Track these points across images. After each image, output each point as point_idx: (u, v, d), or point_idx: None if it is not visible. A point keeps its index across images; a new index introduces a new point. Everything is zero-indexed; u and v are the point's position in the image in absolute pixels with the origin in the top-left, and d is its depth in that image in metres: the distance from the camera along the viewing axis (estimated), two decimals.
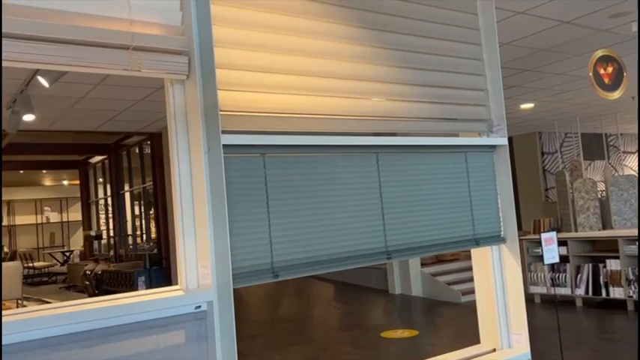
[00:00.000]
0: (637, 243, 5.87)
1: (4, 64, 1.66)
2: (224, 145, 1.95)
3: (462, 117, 2.73)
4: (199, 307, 1.93)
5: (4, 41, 1.64)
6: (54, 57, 1.73)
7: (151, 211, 9.08)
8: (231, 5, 2.10)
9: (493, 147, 2.81)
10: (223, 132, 1.95)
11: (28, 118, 5.80)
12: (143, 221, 9.40)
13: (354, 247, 2.30)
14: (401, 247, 2.44)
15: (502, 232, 2.79)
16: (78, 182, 12.42)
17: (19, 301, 8.38)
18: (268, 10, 2.19)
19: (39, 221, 14.98)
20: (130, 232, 9.72)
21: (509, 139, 3.03)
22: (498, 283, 2.79)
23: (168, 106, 2.04)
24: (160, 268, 8.22)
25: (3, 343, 1.58)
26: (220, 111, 1.96)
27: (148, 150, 8.88)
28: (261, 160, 2.13)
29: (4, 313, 1.71)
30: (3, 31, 1.63)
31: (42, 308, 1.73)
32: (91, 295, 9.01)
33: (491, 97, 2.81)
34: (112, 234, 10.25)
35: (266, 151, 2.14)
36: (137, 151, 9.28)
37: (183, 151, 2.03)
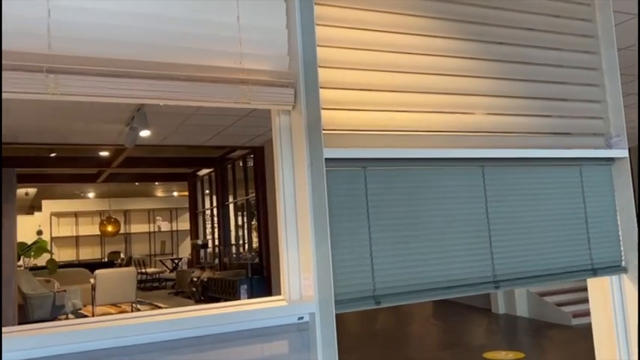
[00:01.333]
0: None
1: (137, 101, 1.81)
2: (326, 159, 1.98)
3: (576, 131, 2.56)
4: (302, 318, 1.96)
5: (137, 81, 1.78)
6: (173, 93, 1.84)
7: (253, 222, 9.42)
8: (335, 25, 2.14)
9: (611, 160, 2.59)
10: (326, 145, 1.98)
11: (144, 133, 6.26)
12: (245, 231, 9.78)
13: (459, 274, 2.21)
14: (510, 275, 2.30)
15: (623, 260, 2.55)
16: (187, 194, 13.20)
17: (134, 305, 9.03)
18: (371, 28, 2.21)
19: (151, 230, 16.08)
20: (233, 241, 10.15)
21: (630, 151, 2.79)
22: (619, 319, 2.51)
23: (274, 125, 2.12)
24: (260, 277, 8.48)
25: (124, 344, 1.70)
26: (323, 130, 1.99)
27: (250, 163, 9.25)
28: (362, 174, 2.13)
29: (125, 315, 1.85)
30: (137, 71, 1.77)
31: (158, 313, 1.84)
32: (197, 301, 9.49)
33: (610, 108, 2.61)
34: (217, 243, 10.75)
35: (367, 165, 2.14)
36: (241, 164, 9.69)
37: (287, 165, 2.09)
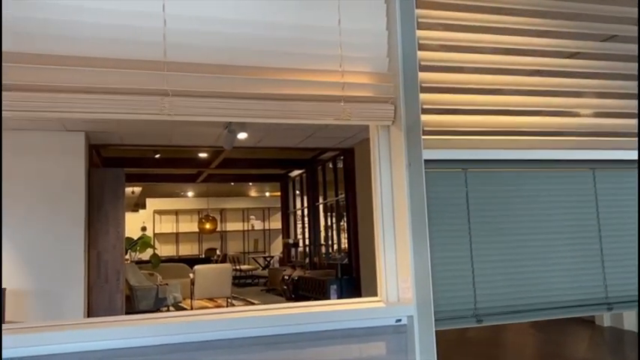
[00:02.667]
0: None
1: (243, 119, 1.90)
2: (425, 160, 1.96)
3: None
4: (400, 320, 1.95)
5: (242, 101, 1.86)
6: (276, 111, 1.89)
7: (342, 223, 9.48)
8: (435, 25, 2.11)
9: None
10: (425, 147, 1.96)
11: (241, 136, 6.52)
12: (335, 232, 9.87)
13: (565, 291, 2.07)
14: (626, 295, 2.11)
15: None
16: (278, 194, 13.56)
17: (229, 300, 9.41)
18: (471, 27, 2.15)
19: (245, 228, 16.68)
20: (323, 241, 10.28)
21: None
22: None
23: (371, 128, 2.12)
24: (350, 278, 8.51)
25: (229, 337, 1.78)
26: (423, 129, 1.97)
27: (340, 164, 9.32)
28: (463, 176, 2.08)
29: (229, 310, 1.94)
30: (237, 92, 1.86)
31: (259, 309, 1.91)
32: (288, 299, 9.72)
33: None
34: (307, 242, 10.95)
35: (468, 166, 2.09)
36: (331, 165, 9.79)
37: (384, 166, 2.08)
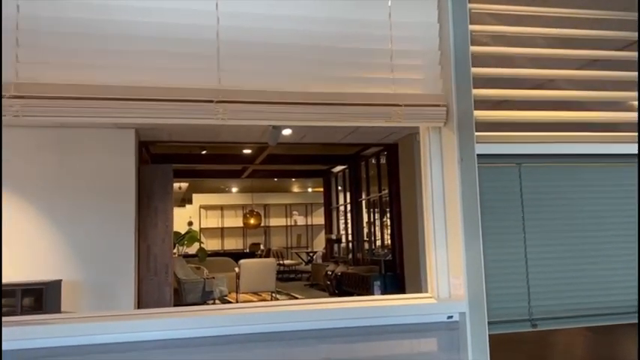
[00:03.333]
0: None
1: (295, 123, 1.92)
2: (478, 155, 1.93)
3: None
4: (451, 317, 1.93)
5: (296, 107, 1.87)
6: (328, 115, 1.90)
7: (385, 219, 9.43)
8: (488, 17, 2.08)
9: None
10: (477, 141, 1.93)
11: (286, 132, 6.58)
12: (378, 228, 9.84)
13: (630, 294, 2.00)
14: None
15: None
16: (321, 189, 13.61)
17: (273, 294, 9.52)
18: (523, 19, 2.11)
19: (288, 224, 16.83)
20: (366, 237, 10.26)
21: None
22: None
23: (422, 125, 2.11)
24: (394, 275, 8.47)
25: (281, 330, 1.80)
26: (475, 120, 1.95)
27: (383, 160, 9.27)
28: (517, 171, 2.04)
29: (282, 303, 1.97)
30: (288, 92, 1.88)
31: (310, 302, 1.93)
32: (331, 294, 9.75)
33: None
34: (350, 238, 10.95)
35: (522, 161, 2.04)
36: (374, 161, 9.76)
37: (435, 161, 2.06)
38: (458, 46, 1.99)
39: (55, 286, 5.96)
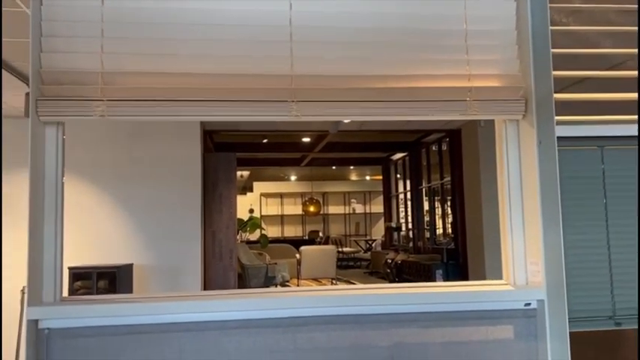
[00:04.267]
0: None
1: (366, 119, 1.92)
2: (558, 138, 1.86)
3: None
4: (529, 304, 1.88)
5: (368, 104, 1.88)
6: (402, 109, 1.90)
7: (446, 207, 9.28)
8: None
9: None
10: (557, 122, 1.86)
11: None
12: (440, 216, 9.69)
13: None
14: None
15: None
16: (379, 177, 13.52)
17: (333, 281, 9.59)
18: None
19: (346, 212, 16.87)
20: (427, 225, 10.14)
21: None
22: None
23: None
24: (456, 263, 8.33)
25: (355, 313, 1.82)
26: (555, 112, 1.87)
27: (445, 147, 9.10)
28: (599, 154, 1.95)
29: (354, 287, 1.98)
30: (362, 87, 1.87)
31: (384, 287, 1.94)
32: (391, 282, 9.72)
33: None
34: (410, 226, 10.85)
35: (604, 144, 1.95)
36: (435, 148, 9.59)
37: (512, 144, 2.00)
38: (536, 24, 1.92)
39: (127, 269, 6.26)
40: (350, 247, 15.25)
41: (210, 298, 1.75)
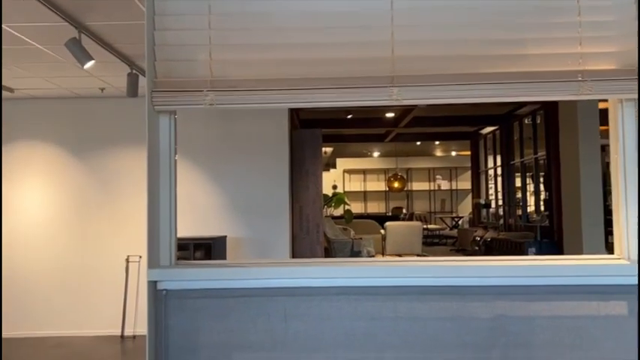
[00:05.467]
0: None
1: (462, 101, 1.90)
2: None
3: None
4: None
5: (477, 85, 1.83)
6: (510, 91, 1.84)
7: (540, 183, 8.86)
8: None
9: None
10: None
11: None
12: (532, 193, 9.29)
13: None
14: None
15: None
16: (466, 153, 13.12)
17: (418, 257, 9.53)
18: None
19: (431, 188, 16.59)
20: (519, 202, 9.76)
21: None
22: None
23: None
24: (550, 242, 7.98)
25: (459, 284, 1.80)
26: None
27: (539, 120, 8.66)
28: None
29: (458, 259, 1.96)
30: (465, 73, 1.83)
31: (489, 259, 1.90)
32: None
33: None
34: (500, 203, 10.49)
35: None
36: (527, 121, 9.15)
37: (628, 110, 1.87)
38: None
39: (221, 241, 6.57)
40: (435, 224, 15.02)
41: (315, 265, 1.81)
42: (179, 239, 1.76)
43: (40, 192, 6.38)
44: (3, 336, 5.93)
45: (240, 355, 1.76)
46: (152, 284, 1.79)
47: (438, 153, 16.58)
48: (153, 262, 1.81)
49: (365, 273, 1.78)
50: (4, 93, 5.66)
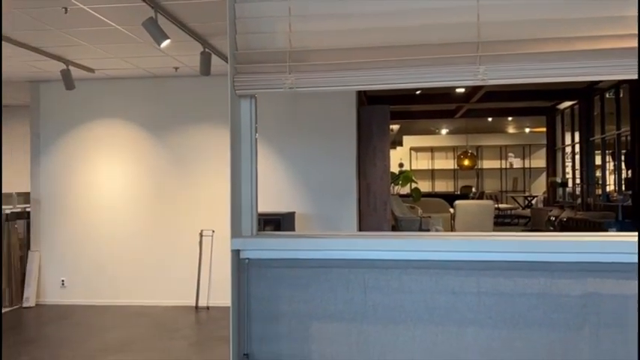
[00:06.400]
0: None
1: (547, 79, 1.84)
2: None
3: None
4: None
5: (555, 64, 1.75)
6: (573, 69, 1.80)
7: (622, 161, 8.35)
8: None
9: None
10: None
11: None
12: (612, 171, 8.78)
13: None
14: None
15: None
16: (539, 129, 12.54)
17: None
18: None
19: (503, 166, 16.03)
20: (598, 181, 9.26)
21: None
22: None
23: None
24: (633, 222, 7.54)
25: (546, 260, 1.73)
26: None
27: (623, 94, 8.12)
28: None
29: (535, 234, 1.88)
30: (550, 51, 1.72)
31: (578, 235, 1.81)
32: None
33: None
34: (577, 182, 10.00)
35: None
36: (609, 95, 8.61)
37: None
38: None
39: (289, 217, 6.67)
40: (506, 203, 14.55)
41: (396, 238, 1.79)
42: None
43: (123, 167, 6.71)
44: (90, 303, 6.35)
45: (320, 324, 1.78)
46: (235, 253, 1.83)
47: (511, 130, 15.96)
48: (236, 232, 1.85)
49: (448, 246, 1.75)
50: (84, 73, 5.95)
